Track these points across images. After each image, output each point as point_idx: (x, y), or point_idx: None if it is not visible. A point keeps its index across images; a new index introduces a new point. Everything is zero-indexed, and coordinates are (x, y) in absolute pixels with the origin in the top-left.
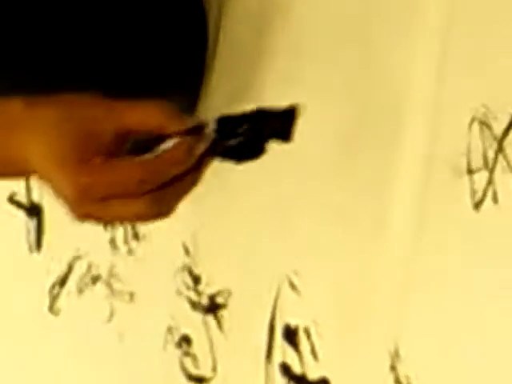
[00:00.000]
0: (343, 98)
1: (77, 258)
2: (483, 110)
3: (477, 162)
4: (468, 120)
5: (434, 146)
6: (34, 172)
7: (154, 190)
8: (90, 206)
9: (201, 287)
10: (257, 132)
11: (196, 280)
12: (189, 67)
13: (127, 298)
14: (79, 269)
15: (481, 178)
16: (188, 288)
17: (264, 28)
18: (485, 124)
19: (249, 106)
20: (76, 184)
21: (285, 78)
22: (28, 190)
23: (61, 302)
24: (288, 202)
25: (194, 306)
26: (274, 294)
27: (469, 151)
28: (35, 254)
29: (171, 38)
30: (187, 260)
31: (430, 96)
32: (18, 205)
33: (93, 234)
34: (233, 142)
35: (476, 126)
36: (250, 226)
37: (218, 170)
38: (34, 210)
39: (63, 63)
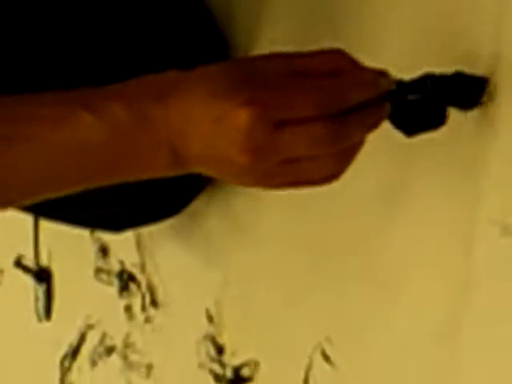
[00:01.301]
0: None
1: (89, 326)
2: None
3: None
4: None
5: (480, 204)
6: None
7: (333, 116)
8: (262, 135)
9: (225, 358)
10: (438, 96)
11: (220, 350)
12: None
13: (144, 371)
14: (92, 339)
15: None
16: (211, 359)
17: None
18: None
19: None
20: (250, 102)
21: None
22: (36, 252)
23: (73, 376)
24: (317, 265)
25: (218, 379)
26: (305, 365)
27: None
28: (44, 323)
29: None
30: (211, 329)
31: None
32: (26, 269)
33: (107, 301)
34: (412, 96)
35: None
36: (279, 291)
37: (244, 231)
38: (42, 275)
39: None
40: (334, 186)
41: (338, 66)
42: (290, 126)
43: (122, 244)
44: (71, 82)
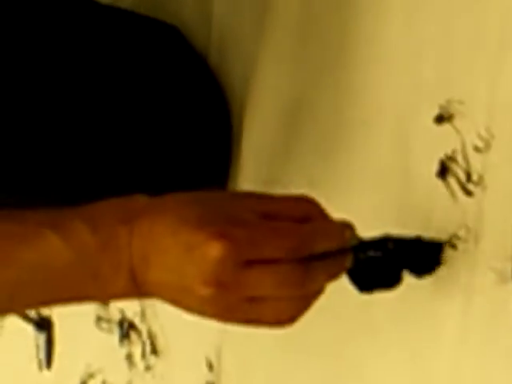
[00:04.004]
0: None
1: (90, 375)
2: None
3: None
4: None
5: (476, 251)
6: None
7: (301, 260)
8: (230, 270)
9: None
10: (397, 257)
11: None
12: (214, 162)
13: None
14: None
15: None
16: None
17: (290, 121)
18: None
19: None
20: (223, 236)
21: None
22: None
23: None
24: (318, 308)
25: None
26: None
27: None
28: (45, 372)
29: (196, 139)
30: (211, 377)
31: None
32: (26, 318)
33: (107, 349)
34: (372, 253)
35: None
36: (278, 338)
37: None
38: (43, 324)
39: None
40: None
41: (307, 213)
42: (258, 265)
43: None
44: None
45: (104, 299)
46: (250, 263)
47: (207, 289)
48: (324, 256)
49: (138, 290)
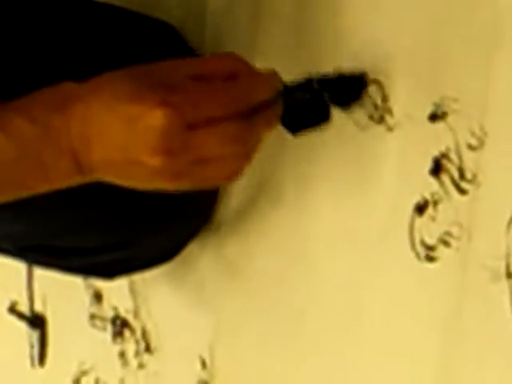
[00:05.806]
0: None
1: (83, 372)
2: None
3: None
4: (507, 219)
5: (470, 249)
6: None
7: (238, 118)
8: (177, 135)
9: None
10: (323, 93)
11: None
12: None
13: None
14: None
15: None
16: None
17: None
18: None
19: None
20: (164, 104)
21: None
22: (30, 299)
23: None
24: (311, 309)
25: None
26: None
27: (508, 254)
28: (38, 369)
29: None
30: (204, 374)
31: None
32: (20, 315)
33: (101, 347)
34: (301, 95)
35: None
36: (271, 336)
37: (237, 276)
38: (36, 321)
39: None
40: (335, 232)
41: (234, 69)
42: (202, 127)
43: (116, 290)
44: None
45: (50, 185)
46: (193, 127)
47: (156, 158)
48: (259, 108)
49: (84, 171)
